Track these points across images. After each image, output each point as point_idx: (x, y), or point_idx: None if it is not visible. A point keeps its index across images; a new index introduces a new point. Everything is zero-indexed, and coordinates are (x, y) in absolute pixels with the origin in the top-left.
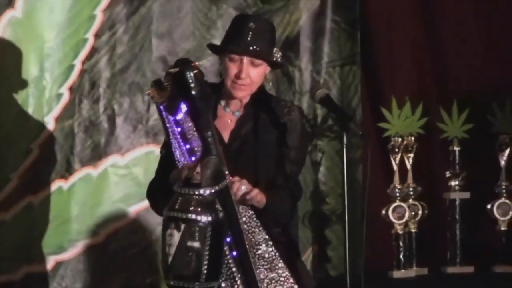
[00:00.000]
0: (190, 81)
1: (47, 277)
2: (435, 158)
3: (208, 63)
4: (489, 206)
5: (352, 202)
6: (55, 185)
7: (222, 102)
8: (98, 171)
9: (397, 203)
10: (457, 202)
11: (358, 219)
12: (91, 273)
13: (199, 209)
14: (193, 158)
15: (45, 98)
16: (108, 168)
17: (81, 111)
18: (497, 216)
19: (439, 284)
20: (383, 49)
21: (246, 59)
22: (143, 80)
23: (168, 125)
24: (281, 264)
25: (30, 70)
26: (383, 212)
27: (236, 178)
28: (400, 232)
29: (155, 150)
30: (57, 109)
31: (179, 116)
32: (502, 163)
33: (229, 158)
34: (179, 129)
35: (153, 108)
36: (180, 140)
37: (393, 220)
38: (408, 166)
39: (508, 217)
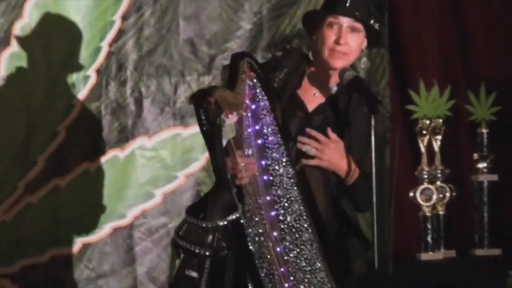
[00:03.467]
0: (203, 117)
1: (73, 260)
2: (463, 141)
3: (235, 45)
4: None
5: (380, 185)
6: (82, 167)
7: (311, 75)
8: (125, 154)
9: (425, 185)
10: (485, 185)
11: (385, 202)
12: (118, 255)
13: (201, 241)
14: (259, 141)
15: (72, 80)
16: (135, 151)
17: (108, 93)
18: None
19: (467, 266)
20: (411, 31)
21: (345, 24)
22: (170, 62)
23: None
24: (319, 264)
25: (57, 52)
26: (411, 194)
27: (323, 138)
28: (428, 214)
29: (182, 132)
30: (84, 91)
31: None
32: None
33: (306, 127)
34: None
35: (180, 90)
36: (251, 120)
37: (420, 202)
38: (436, 149)
39: None
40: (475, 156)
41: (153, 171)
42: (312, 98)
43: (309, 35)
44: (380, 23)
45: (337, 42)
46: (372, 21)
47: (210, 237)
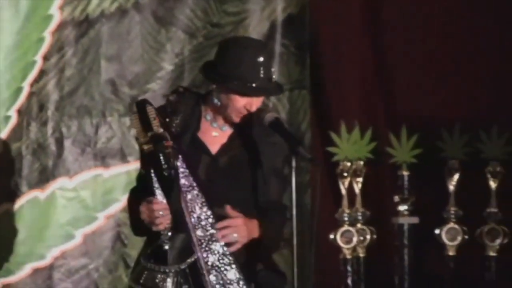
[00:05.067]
0: (163, 162)
1: None
2: (384, 183)
3: (157, 86)
4: (437, 231)
5: (301, 226)
6: (2, 208)
7: (208, 117)
8: (45, 194)
9: (346, 227)
10: (406, 227)
11: (306, 243)
12: None
13: (163, 286)
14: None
15: None
16: (56, 191)
17: (29, 133)
18: (446, 241)
19: None
20: (332, 73)
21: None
22: (91, 103)
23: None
24: None
25: None
26: (331, 236)
27: (234, 222)
28: (349, 256)
29: (103, 173)
30: (5, 132)
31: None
32: (451, 188)
33: (213, 170)
34: None
35: (101, 131)
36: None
37: (341, 244)
38: (357, 191)
39: (456, 242)
40: (396, 198)
41: (73, 211)
42: (213, 139)
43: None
44: (301, 64)
45: (248, 109)
46: (273, 77)
47: (172, 281)
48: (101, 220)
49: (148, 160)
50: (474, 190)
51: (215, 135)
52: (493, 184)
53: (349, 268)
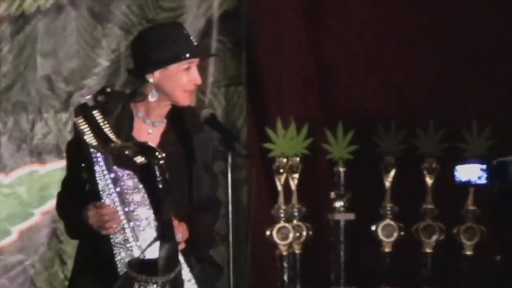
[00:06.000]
0: (158, 176)
1: None
2: (320, 179)
3: (93, 82)
4: (373, 228)
5: (237, 222)
6: None
7: (140, 114)
8: None
9: (282, 224)
10: (342, 223)
11: (242, 240)
12: None
13: None
14: (118, 189)
15: None
16: None
17: None
18: (382, 237)
19: None
20: (269, 69)
21: (194, 64)
22: (27, 99)
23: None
24: None
25: None
26: (268, 233)
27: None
28: (285, 253)
29: (39, 169)
30: None
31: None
32: (387, 184)
33: None
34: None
35: (37, 127)
36: (105, 169)
37: (277, 241)
38: (293, 187)
39: (392, 238)
40: (332, 195)
41: (9, 208)
42: (148, 137)
43: (138, 78)
44: (237, 60)
45: (193, 82)
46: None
47: None
48: (37, 216)
49: (141, 172)
50: (410, 186)
51: (149, 133)
52: (429, 181)
53: (285, 265)
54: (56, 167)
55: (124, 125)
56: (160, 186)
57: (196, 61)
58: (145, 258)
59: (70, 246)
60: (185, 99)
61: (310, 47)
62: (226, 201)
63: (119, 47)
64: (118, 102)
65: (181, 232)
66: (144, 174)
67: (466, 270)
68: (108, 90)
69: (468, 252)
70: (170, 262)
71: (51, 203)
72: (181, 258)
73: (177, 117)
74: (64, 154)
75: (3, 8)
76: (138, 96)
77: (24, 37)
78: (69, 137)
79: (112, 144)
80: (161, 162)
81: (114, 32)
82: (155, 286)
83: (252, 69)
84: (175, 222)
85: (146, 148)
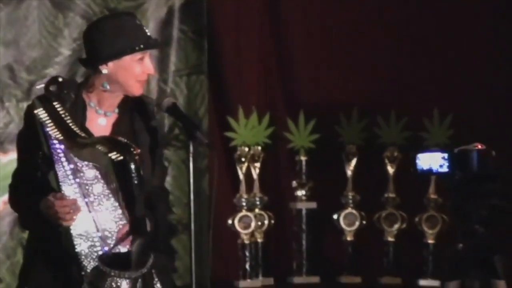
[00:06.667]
0: (133, 172)
1: None
2: (282, 168)
3: (54, 71)
4: (335, 216)
5: (198, 211)
6: None
7: (92, 104)
8: None
9: (243, 212)
10: (304, 212)
11: (204, 229)
12: None
13: None
14: (78, 180)
15: None
16: None
17: None
18: (344, 226)
19: None
20: (230, 58)
21: (148, 54)
22: None
23: (52, 143)
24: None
25: None
26: (229, 221)
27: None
28: (247, 242)
29: (1, 158)
30: None
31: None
32: (349, 173)
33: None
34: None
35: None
36: (64, 160)
37: (239, 229)
38: (255, 176)
39: (354, 227)
40: (294, 183)
41: None
42: (100, 128)
43: (91, 68)
44: (199, 50)
45: (146, 72)
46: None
47: (134, 286)
48: None
49: (114, 168)
50: (372, 175)
51: (101, 124)
52: (390, 169)
53: (247, 253)
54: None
55: (78, 115)
56: (136, 182)
57: (149, 51)
58: (116, 252)
59: None
60: (138, 89)
61: (272, 36)
62: (188, 190)
63: (80, 36)
64: (70, 92)
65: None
66: (119, 170)
67: (428, 259)
68: (60, 79)
69: (430, 241)
70: (143, 257)
71: None
72: None
73: (129, 107)
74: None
75: None
76: (90, 86)
77: None
78: None
79: (79, 139)
80: (136, 158)
81: (76, 21)
82: (127, 280)
83: (213, 58)
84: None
85: (121, 144)
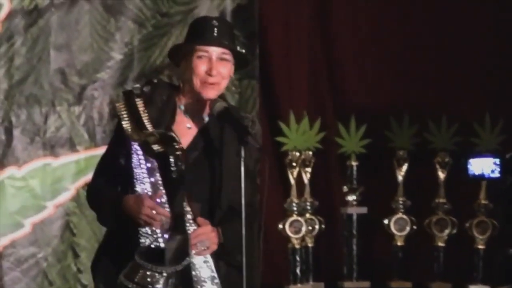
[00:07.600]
0: (173, 165)
1: None
2: (333, 173)
3: (106, 75)
4: (386, 221)
5: (253, 217)
6: None
7: (182, 107)
8: None
9: (294, 217)
10: (354, 217)
11: (255, 233)
12: None
13: (156, 286)
14: (152, 179)
15: None
16: (4, 180)
17: None
18: (394, 231)
19: None
20: (281, 63)
21: (215, 55)
22: (40, 92)
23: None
24: None
25: None
26: (280, 226)
27: (202, 230)
28: (297, 246)
29: (52, 162)
30: None
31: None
32: (399, 178)
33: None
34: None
35: (50, 120)
36: (142, 158)
37: (289, 234)
38: (306, 181)
39: (404, 232)
40: (345, 188)
41: (22, 200)
42: (186, 131)
43: (177, 67)
44: (250, 54)
45: (209, 73)
46: (238, 47)
47: (166, 282)
48: (50, 209)
49: (158, 160)
50: (423, 180)
51: (188, 127)
52: (441, 175)
53: (297, 258)
54: (69, 160)
55: (166, 116)
56: (174, 176)
57: (216, 53)
58: (157, 247)
59: (83, 239)
60: (205, 91)
61: (322, 40)
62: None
63: (132, 41)
64: (163, 93)
65: (214, 238)
66: (161, 163)
67: (478, 264)
68: (155, 80)
69: (480, 246)
70: (179, 254)
71: (64, 196)
72: (210, 258)
73: (221, 117)
74: (77, 147)
75: (17, 1)
76: (181, 88)
77: (37, 30)
78: (82, 130)
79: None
80: (178, 152)
81: (127, 25)
82: (160, 275)
83: (264, 63)
84: (211, 228)
85: (166, 136)
